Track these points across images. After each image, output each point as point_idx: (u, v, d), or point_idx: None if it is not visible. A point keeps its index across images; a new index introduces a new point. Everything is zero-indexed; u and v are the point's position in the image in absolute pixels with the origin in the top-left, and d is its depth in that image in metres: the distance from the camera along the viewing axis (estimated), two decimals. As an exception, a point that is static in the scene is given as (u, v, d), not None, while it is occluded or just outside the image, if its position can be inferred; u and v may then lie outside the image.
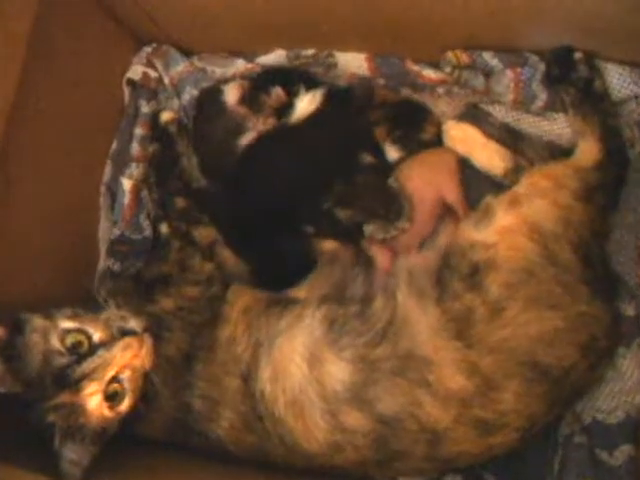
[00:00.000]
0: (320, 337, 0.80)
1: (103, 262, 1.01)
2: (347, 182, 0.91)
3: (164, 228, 0.99)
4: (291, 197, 0.92)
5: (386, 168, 0.95)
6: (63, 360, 0.71)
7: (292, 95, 0.96)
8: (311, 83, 0.98)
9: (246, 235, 0.93)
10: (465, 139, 0.95)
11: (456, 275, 0.80)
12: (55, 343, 0.72)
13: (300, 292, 0.88)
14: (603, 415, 0.84)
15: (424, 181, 0.93)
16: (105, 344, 0.72)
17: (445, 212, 0.94)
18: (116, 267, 1.01)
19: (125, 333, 0.74)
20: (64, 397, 0.71)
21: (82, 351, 0.72)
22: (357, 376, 0.76)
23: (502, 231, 0.80)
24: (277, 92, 0.96)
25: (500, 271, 0.78)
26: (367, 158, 0.95)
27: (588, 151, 0.86)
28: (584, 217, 0.81)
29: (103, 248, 1.01)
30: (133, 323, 0.75)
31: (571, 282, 0.78)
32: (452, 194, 0.93)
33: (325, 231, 0.92)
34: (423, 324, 0.78)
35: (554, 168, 0.85)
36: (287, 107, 0.96)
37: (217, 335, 0.83)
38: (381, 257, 0.92)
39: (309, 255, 0.92)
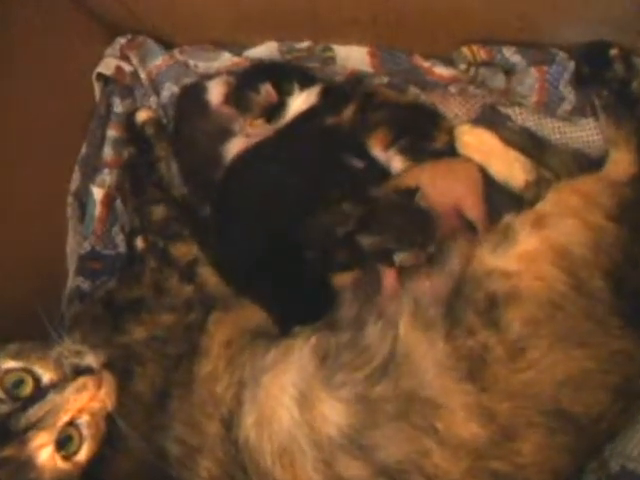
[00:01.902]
0: (312, 373, 0.74)
1: (72, 281, 0.95)
2: (361, 201, 0.84)
3: (139, 243, 0.94)
4: (286, 216, 0.86)
5: (376, 173, 0.90)
6: (4, 407, 0.64)
7: (284, 93, 0.91)
8: (306, 80, 0.93)
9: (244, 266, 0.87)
10: (480, 146, 0.90)
11: (471, 308, 0.74)
12: (-6, 387, 0.68)
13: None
14: (634, 464, 0.77)
15: (438, 190, 0.86)
16: (56, 385, 0.66)
17: (458, 227, 0.86)
18: (86, 286, 0.95)
19: (80, 372, 0.67)
20: (8, 451, 0.63)
21: (28, 395, 0.66)
22: (355, 419, 0.71)
23: (525, 257, 0.75)
24: (267, 90, 0.90)
25: (523, 305, 0.72)
26: (356, 162, 0.89)
27: (621, 162, 0.81)
28: (617, 239, 0.75)
29: (72, 265, 0.96)
30: (89, 359, 0.69)
31: (602, 315, 0.72)
32: (474, 209, 0.86)
33: (340, 259, 0.85)
34: (429, 361, 0.72)
35: (584, 183, 0.79)
36: (278, 107, 0.91)
37: (195, 371, 0.77)
38: (388, 277, 0.84)
39: (323, 286, 0.85)
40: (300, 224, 0.84)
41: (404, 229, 0.82)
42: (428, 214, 0.83)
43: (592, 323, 0.72)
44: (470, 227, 0.86)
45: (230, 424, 0.74)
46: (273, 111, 0.91)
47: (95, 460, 0.69)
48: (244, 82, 0.92)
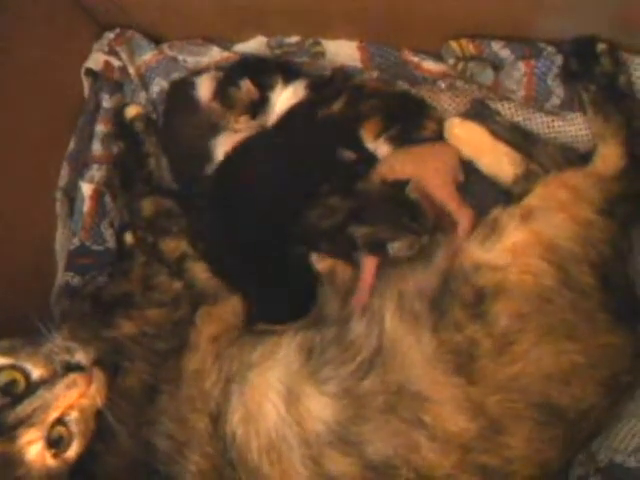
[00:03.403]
0: (297, 369, 0.74)
1: (61, 276, 0.94)
2: (350, 193, 0.83)
3: (129, 238, 0.94)
4: (279, 211, 0.85)
5: (368, 164, 0.89)
6: None
7: (265, 88, 0.90)
8: (290, 75, 0.92)
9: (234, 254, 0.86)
10: (471, 139, 0.89)
11: (457, 302, 0.74)
12: (-17, 384, 0.65)
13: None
14: (622, 457, 0.78)
15: (408, 176, 0.85)
16: (46, 382, 0.65)
17: (443, 220, 0.85)
18: (75, 281, 0.94)
19: (70, 368, 0.66)
20: None
21: (18, 391, 0.64)
22: (342, 414, 0.70)
23: (513, 251, 0.74)
24: (247, 85, 0.89)
25: (510, 299, 0.72)
26: (348, 155, 0.88)
27: (609, 157, 0.80)
28: (605, 234, 0.75)
29: (61, 261, 0.95)
30: (80, 356, 0.68)
31: (590, 309, 0.72)
32: (438, 189, 0.84)
33: (327, 251, 0.85)
34: (417, 354, 0.72)
35: (572, 176, 0.79)
36: (261, 103, 0.90)
37: (183, 367, 0.77)
38: (368, 265, 0.82)
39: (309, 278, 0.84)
40: (289, 218, 0.84)
41: (398, 218, 0.81)
42: (419, 203, 0.82)
43: (580, 317, 0.71)
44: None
45: (218, 420, 0.73)
46: (256, 107, 0.89)
47: (84, 456, 0.68)
48: (226, 79, 0.91)
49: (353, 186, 0.85)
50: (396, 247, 0.79)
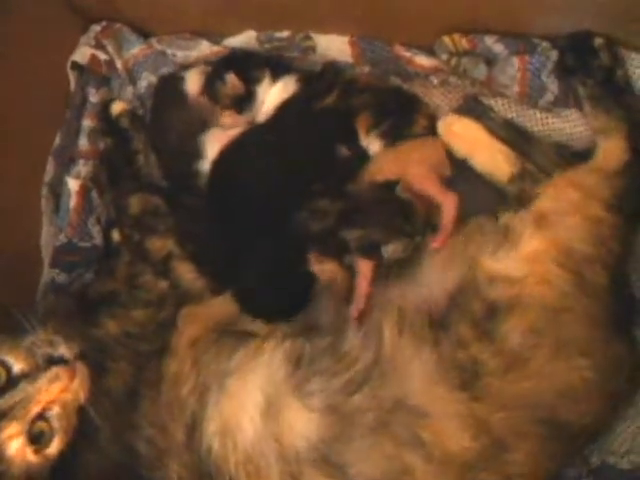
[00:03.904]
0: (282, 379, 0.70)
1: (47, 273, 0.92)
2: (340, 195, 0.81)
3: (116, 236, 0.92)
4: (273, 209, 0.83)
5: (361, 162, 0.87)
6: None
7: (251, 83, 0.88)
8: (278, 69, 0.91)
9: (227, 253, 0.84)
10: (466, 137, 0.87)
11: (465, 317, 0.70)
12: (-37, 379, 0.64)
13: (262, 326, 0.78)
14: (615, 458, 0.77)
15: (395, 174, 0.83)
16: (28, 375, 0.64)
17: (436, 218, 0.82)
18: (61, 279, 0.92)
19: (53, 361, 0.66)
20: None
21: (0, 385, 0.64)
22: (326, 432, 0.66)
23: (530, 260, 0.71)
24: (231, 79, 0.87)
25: (526, 314, 0.69)
26: (343, 151, 0.86)
27: (613, 151, 0.79)
28: (614, 230, 0.73)
29: (47, 257, 0.93)
30: (63, 349, 0.67)
31: (600, 314, 0.70)
32: (420, 181, 0.81)
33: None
34: (417, 367, 0.68)
35: (580, 175, 0.77)
36: (247, 97, 0.88)
37: (163, 371, 0.74)
38: (364, 270, 0.80)
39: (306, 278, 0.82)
40: (283, 216, 0.82)
41: (391, 219, 0.79)
42: (410, 204, 0.80)
43: (592, 325, 0.69)
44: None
45: (193, 430, 0.70)
46: (242, 102, 0.88)
47: (67, 458, 0.67)
48: (213, 72, 0.90)
49: (344, 186, 0.83)
50: (390, 250, 0.78)
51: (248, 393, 0.70)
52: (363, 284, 0.78)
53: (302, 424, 0.67)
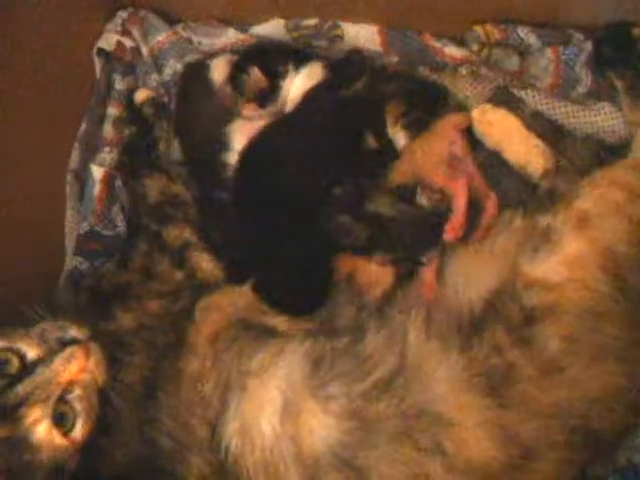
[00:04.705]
0: (301, 380, 0.68)
1: (70, 261, 0.92)
2: (360, 217, 0.80)
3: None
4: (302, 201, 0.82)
5: (390, 153, 0.86)
6: None
7: (276, 77, 0.87)
8: (301, 59, 0.90)
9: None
10: (501, 127, 0.83)
11: (501, 323, 0.67)
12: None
13: (282, 321, 0.76)
14: None
15: (430, 158, 0.81)
16: (43, 360, 0.63)
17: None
18: (84, 267, 0.91)
19: (66, 343, 0.65)
20: (1, 432, 0.61)
21: (13, 372, 0.63)
22: (346, 437, 0.64)
23: (570, 263, 0.68)
24: (255, 73, 0.86)
25: (564, 320, 0.66)
26: (371, 142, 0.85)
27: None
28: None
29: (70, 244, 0.92)
30: (74, 331, 0.66)
31: (636, 317, 0.68)
32: (430, 175, 0.80)
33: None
34: (443, 373, 0.66)
35: (621, 173, 0.74)
36: (271, 92, 0.87)
37: (182, 367, 0.72)
38: (428, 275, 0.77)
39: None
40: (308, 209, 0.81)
41: (418, 241, 0.78)
42: (432, 214, 0.79)
43: (632, 332, 0.66)
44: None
45: (215, 430, 0.69)
46: (265, 96, 0.87)
47: (91, 452, 0.66)
48: (237, 64, 0.89)
49: (361, 207, 0.81)
50: (426, 260, 0.77)
51: (267, 394, 0.68)
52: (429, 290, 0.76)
53: (322, 428, 0.65)
